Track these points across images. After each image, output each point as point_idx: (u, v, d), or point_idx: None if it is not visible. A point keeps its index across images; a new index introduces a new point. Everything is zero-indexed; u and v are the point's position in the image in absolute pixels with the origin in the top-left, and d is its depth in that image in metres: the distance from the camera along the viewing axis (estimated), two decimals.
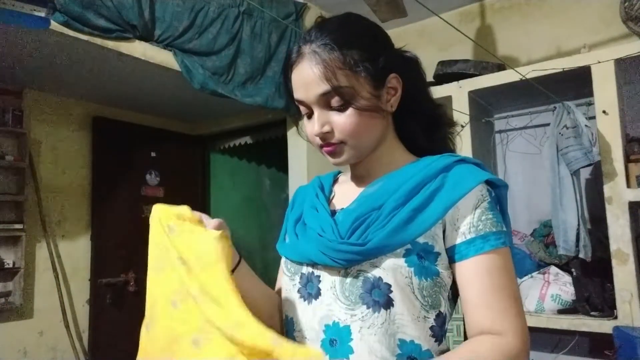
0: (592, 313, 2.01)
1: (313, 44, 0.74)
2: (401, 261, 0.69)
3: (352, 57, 0.72)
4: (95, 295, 2.91)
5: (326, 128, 0.75)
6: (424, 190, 0.73)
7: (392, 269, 0.69)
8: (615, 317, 1.94)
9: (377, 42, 0.78)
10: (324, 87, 0.72)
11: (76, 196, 2.93)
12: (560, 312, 2.12)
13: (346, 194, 0.84)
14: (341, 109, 0.73)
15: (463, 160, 0.77)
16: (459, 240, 0.71)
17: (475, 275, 0.70)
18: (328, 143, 0.76)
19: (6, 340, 2.54)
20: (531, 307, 2.15)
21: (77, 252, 2.90)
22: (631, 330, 1.83)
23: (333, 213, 0.80)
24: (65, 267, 2.83)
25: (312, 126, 0.76)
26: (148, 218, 0.80)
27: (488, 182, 0.76)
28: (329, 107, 0.74)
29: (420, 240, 0.71)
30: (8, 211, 2.58)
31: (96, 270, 2.92)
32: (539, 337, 2.38)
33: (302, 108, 0.78)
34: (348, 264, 0.72)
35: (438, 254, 0.71)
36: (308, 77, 0.73)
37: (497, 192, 0.77)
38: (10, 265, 2.53)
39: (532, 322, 2.11)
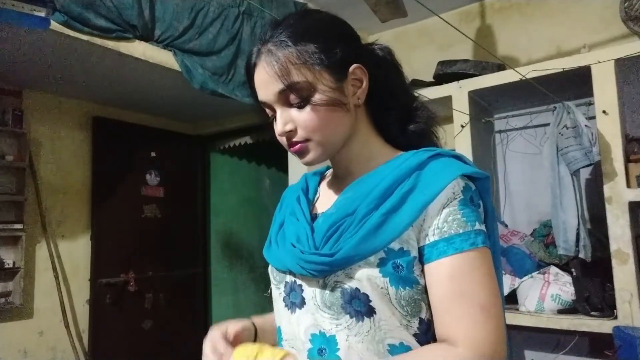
0: (592, 313, 2.01)
1: (269, 43, 0.72)
2: (375, 271, 0.67)
3: (306, 51, 0.70)
4: (95, 295, 2.91)
5: (289, 127, 0.72)
6: (397, 191, 0.69)
7: (366, 280, 0.67)
8: (615, 317, 1.93)
9: (333, 34, 0.74)
10: (279, 85, 0.70)
11: (76, 196, 2.94)
12: (560, 312, 2.12)
13: (329, 195, 0.82)
14: (301, 105, 0.71)
15: (439, 155, 0.72)
16: (424, 243, 0.68)
17: (437, 280, 0.66)
18: (293, 142, 0.74)
19: (6, 340, 2.54)
20: (531, 307, 2.14)
21: (77, 252, 2.90)
22: (631, 330, 1.83)
23: (315, 217, 0.78)
24: (65, 267, 2.83)
25: (276, 126, 0.74)
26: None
27: (468, 175, 0.71)
28: (289, 104, 0.72)
29: (395, 246, 0.67)
30: (8, 211, 2.58)
31: (96, 270, 2.92)
32: (539, 337, 2.38)
33: (268, 110, 0.76)
34: (321, 274, 0.69)
35: (415, 258, 0.68)
36: (264, 78, 0.72)
37: (479, 185, 0.72)
38: (10, 265, 2.53)
39: (532, 322, 2.11)
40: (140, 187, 3.24)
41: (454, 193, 0.68)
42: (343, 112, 0.73)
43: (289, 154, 3.18)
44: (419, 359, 0.65)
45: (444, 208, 0.68)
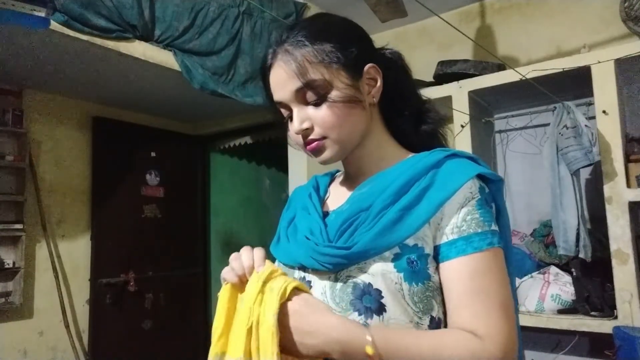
0: (592, 313, 2.01)
1: (285, 43, 0.73)
2: (390, 266, 0.67)
3: (323, 49, 0.72)
4: (95, 295, 2.91)
5: (305, 124, 0.73)
6: (413, 188, 0.70)
7: (381, 274, 0.67)
8: (615, 317, 1.93)
9: (349, 34, 0.76)
10: (297, 83, 0.71)
11: (76, 196, 2.94)
12: (560, 312, 2.12)
13: (340, 194, 0.82)
14: (318, 103, 0.72)
15: (455, 155, 0.73)
16: (442, 241, 0.69)
17: (456, 277, 0.67)
18: (310, 140, 0.74)
19: (6, 340, 2.54)
20: (531, 307, 2.14)
21: (77, 252, 2.90)
22: (631, 330, 1.83)
23: (326, 214, 0.79)
24: (65, 267, 2.83)
25: (292, 125, 0.75)
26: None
27: (482, 177, 0.72)
28: (306, 103, 0.73)
29: (410, 242, 0.68)
30: (8, 211, 2.58)
31: (96, 270, 2.92)
32: (539, 337, 2.38)
33: (283, 111, 0.77)
34: (335, 268, 0.70)
35: (428, 255, 0.69)
36: (281, 77, 0.73)
37: (492, 187, 0.73)
38: (10, 265, 2.53)
39: (532, 322, 2.11)
40: (140, 187, 3.24)
41: (471, 193, 0.69)
42: (359, 109, 0.74)
43: (289, 154, 3.15)
44: (439, 341, 0.63)
45: (462, 207, 0.69)
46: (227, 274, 0.70)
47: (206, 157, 3.82)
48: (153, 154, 3.36)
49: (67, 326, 2.74)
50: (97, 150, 3.03)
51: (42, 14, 1.79)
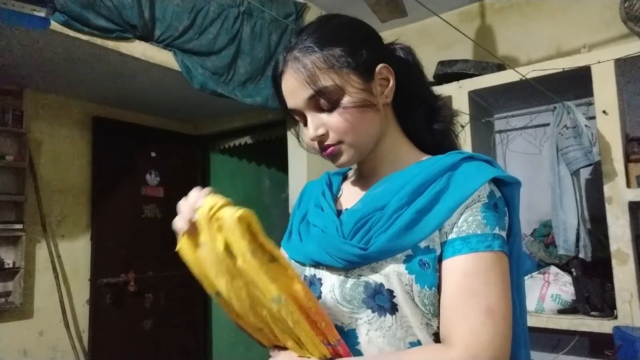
0: (592, 313, 2.01)
1: (294, 50, 0.73)
2: (402, 267, 0.67)
3: (332, 54, 0.71)
4: (95, 295, 2.91)
5: (320, 131, 0.73)
6: (428, 190, 0.70)
7: (392, 276, 0.67)
8: (615, 317, 1.94)
9: (357, 36, 0.76)
10: (308, 91, 0.71)
11: (76, 196, 2.93)
12: (560, 312, 2.12)
13: (353, 193, 0.82)
14: (331, 109, 0.72)
15: (471, 158, 0.73)
16: (442, 240, 0.69)
17: (448, 276, 0.67)
18: (326, 146, 0.74)
19: (6, 340, 2.54)
20: (531, 307, 2.15)
21: (77, 252, 2.90)
22: (631, 330, 1.83)
23: (339, 213, 0.79)
24: (65, 267, 2.83)
25: (307, 132, 0.75)
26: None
27: (497, 180, 0.72)
28: (319, 109, 0.73)
29: (422, 244, 0.68)
30: (8, 211, 2.58)
31: (96, 270, 2.92)
32: (539, 337, 2.38)
33: (297, 117, 0.77)
34: (348, 265, 0.70)
35: (437, 256, 0.69)
36: (293, 85, 0.73)
37: (507, 191, 0.73)
38: (10, 265, 2.53)
39: (532, 322, 2.11)
40: (140, 187, 3.24)
41: (479, 196, 0.69)
42: (373, 112, 0.74)
43: (289, 154, 3.16)
44: (405, 357, 0.65)
45: (466, 209, 0.68)
46: (176, 222, 0.69)
47: (206, 157, 3.82)
48: (153, 154, 3.35)
49: (67, 326, 2.74)
50: (97, 150, 3.03)
51: (42, 14, 1.79)
